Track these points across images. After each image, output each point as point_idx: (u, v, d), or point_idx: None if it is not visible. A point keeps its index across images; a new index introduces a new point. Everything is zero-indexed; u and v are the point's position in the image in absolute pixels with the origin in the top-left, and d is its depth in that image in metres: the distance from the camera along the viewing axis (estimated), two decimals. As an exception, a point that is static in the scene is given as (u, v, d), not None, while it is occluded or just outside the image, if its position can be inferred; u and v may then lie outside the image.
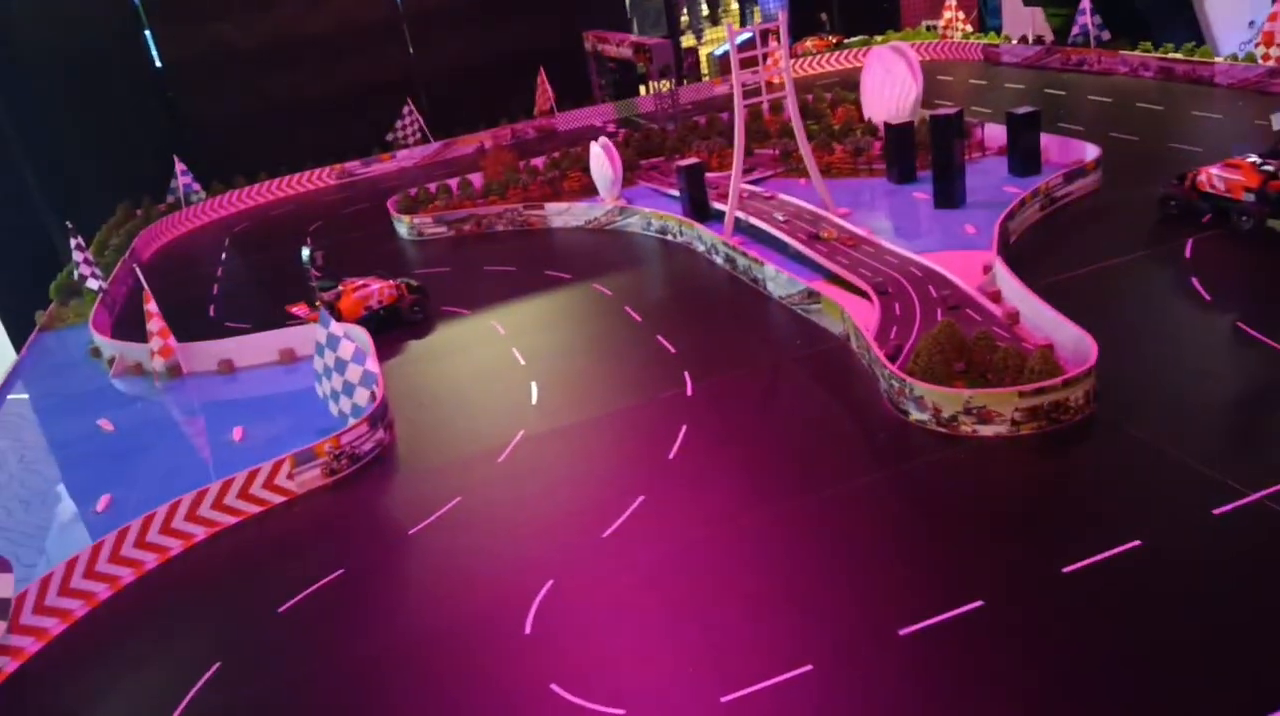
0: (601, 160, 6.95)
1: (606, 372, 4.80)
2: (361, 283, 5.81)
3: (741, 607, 3.08)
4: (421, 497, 4.05)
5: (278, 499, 4.23)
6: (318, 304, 5.59)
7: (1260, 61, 6.83)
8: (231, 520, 4.13)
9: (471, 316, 5.71)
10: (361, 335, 5.23)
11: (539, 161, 8.00)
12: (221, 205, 9.39)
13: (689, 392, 4.40)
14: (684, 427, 4.11)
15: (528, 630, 3.17)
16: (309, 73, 10.59)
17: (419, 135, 10.05)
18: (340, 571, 3.69)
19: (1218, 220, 4.85)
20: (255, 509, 4.19)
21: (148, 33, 10.26)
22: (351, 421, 4.36)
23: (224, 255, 7.92)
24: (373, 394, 4.51)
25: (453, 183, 7.86)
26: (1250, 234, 4.68)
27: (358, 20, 10.62)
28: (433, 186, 7.85)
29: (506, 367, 4.97)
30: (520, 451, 4.20)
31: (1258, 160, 4.74)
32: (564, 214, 7.36)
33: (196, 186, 9.28)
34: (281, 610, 3.55)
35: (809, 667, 2.88)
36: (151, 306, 5.84)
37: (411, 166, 9.85)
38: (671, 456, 3.95)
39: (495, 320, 5.58)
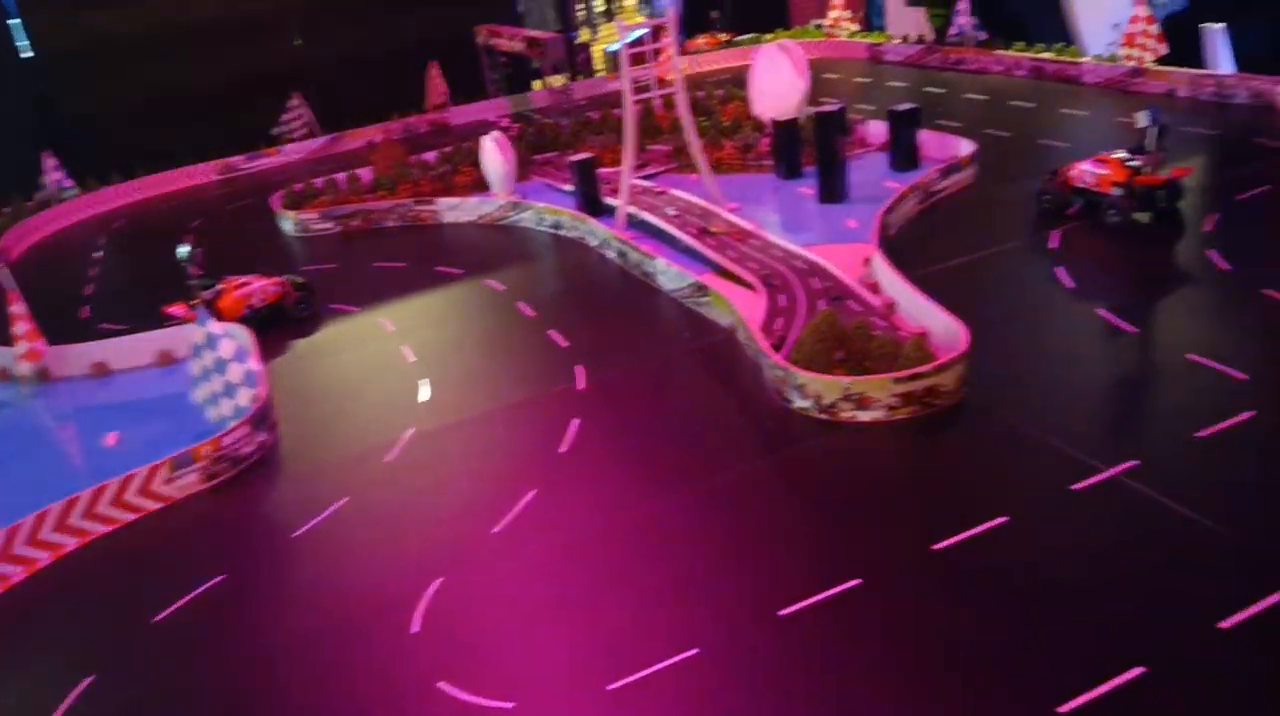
0: (494, 155, 6.90)
1: (498, 368, 4.78)
2: (242, 280, 5.65)
3: (630, 596, 3.12)
4: (306, 499, 3.96)
5: (154, 505, 4.09)
6: (195, 303, 5.38)
7: (1123, 62, 7.20)
8: (105, 528, 3.97)
9: (360, 313, 5.61)
10: (243, 334, 5.09)
11: (430, 156, 7.90)
12: (99, 201, 8.98)
13: (581, 386, 4.41)
14: (576, 421, 4.12)
15: (415, 628, 3.14)
16: (192, 64, 10.21)
17: (306, 129, 9.81)
18: (221, 577, 3.58)
19: (1088, 213, 5.08)
20: (130, 516, 4.03)
21: (16, 21, 9.76)
22: (231, 423, 4.25)
23: (100, 254, 7.59)
24: (255, 394, 4.39)
25: (341, 178, 7.70)
26: (1116, 226, 4.94)
27: (244, 10, 10.30)
28: (320, 181, 7.67)
29: (395, 365, 4.90)
30: (409, 449, 4.15)
31: (1125, 156, 4.93)
32: (456, 209, 7.28)
33: (69, 183, 8.86)
34: (158, 619, 3.44)
35: (695, 651, 2.93)
36: (18, 308, 5.56)
37: (299, 161, 9.59)
38: (563, 450, 3.96)
39: (384, 317, 5.49)
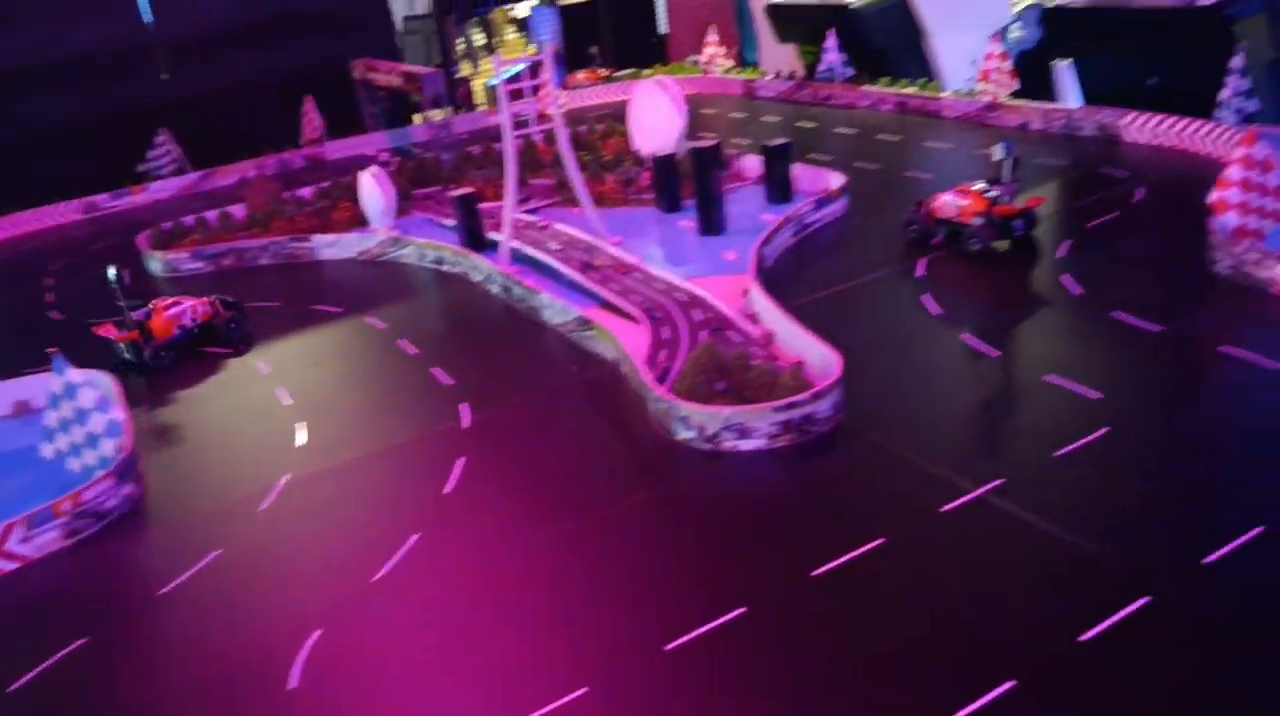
0: (372, 189, 6.80)
1: (379, 409, 4.68)
2: (172, 301, 5.55)
3: (518, 636, 3.08)
4: (175, 553, 3.77)
5: (9, 566, 3.85)
6: (125, 323, 5.30)
7: (980, 96, 7.58)
8: (-45, 593, 3.71)
9: (233, 356, 5.42)
10: (106, 382, 4.85)
11: (306, 192, 7.73)
12: (-53, 243, 8.48)
13: (465, 424, 4.36)
14: (461, 460, 4.07)
15: (294, 683, 3.02)
16: (52, 99, 9.76)
17: (175, 166, 9.47)
18: (83, 640, 3.39)
19: (950, 242, 5.33)
20: (-17, 579, 3.79)
21: None
22: (97, 475, 4.04)
23: (-52, 299, 7.15)
24: (119, 444, 4.19)
25: (212, 215, 7.45)
26: (977, 254, 5.19)
27: (109, 44, 9.91)
28: (190, 220, 7.41)
29: (270, 409, 4.74)
30: (285, 497, 4.01)
31: (984, 187, 5.21)
32: (333, 246, 7.12)
33: (-84, 222, 8.34)
34: (12, 689, 3.22)
35: (585, 690, 2.91)
36: None
37: (167, 199, 9.24)
38: (448, 490, 3.90)
39: (259, 359, 5.32)
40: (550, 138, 7.72)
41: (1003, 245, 5.15)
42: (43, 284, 7.09)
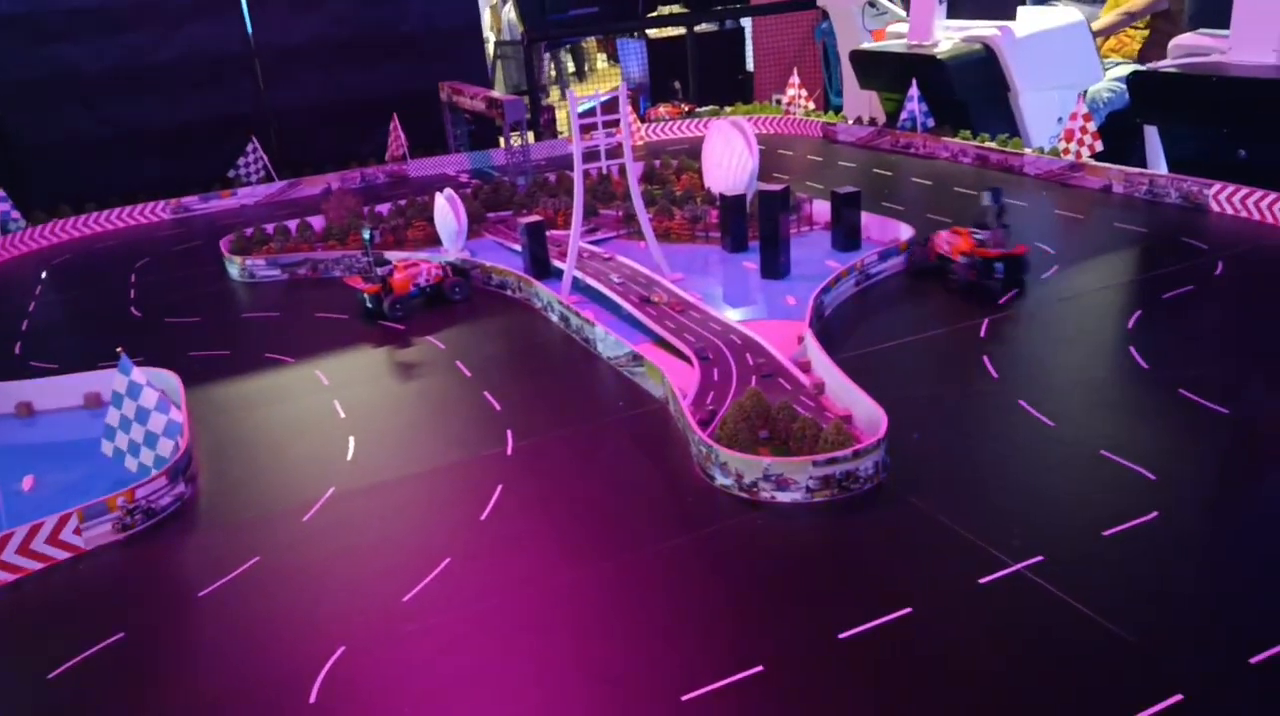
0: (446, 211, 6.93)
1: (428, 428, 4.75)
2: (412, 261, 6.22)
3: (533, 674, 3.07)
4: (218, 557, 3.88)
5: (63, 555, 3.99)
6: (371, 276, 5.95)
7: (1063, 156, 7.45)
8: (9, 577, 3.86)
9: (295, 365, 5.55)
10: (172, 382, 5.03)
11: (384, 208, 7.93)
12: (43, 235, 8.86)
13: (509, 451, 4.39)
14: (499, 487, 4.09)
15: (313, 699, 3.07)
16: (154, 103, 10.13)
17: (263, 173, 9.81)
18: (120, 635, 3.50)
19: (938, 275, 5.59)
20: (36, 566, 3.92)
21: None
22: (154, 472, 4.18)
23: (39, 289, 7.48)
24: (176, 444, 4.33)
25: (292, 224, 7.69)
26: (961, 289, 5.39)
27: (209, 52, 10.35)
28: (270, 227, 7.65)
29: (325, 420, 4.84)
30: (328, 509, 4.09)
31: (974, 230, 5.45)
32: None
33: (16, 214, 8.75)
34: (52, 676, 3.34)
35: (597, 734, 2.90)
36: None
37: (253, 205, 9.55)
38: (484, 517, 3.93)
39: (320, 369, 5.44)
40: (621, 170, 7.79)
41: (996, 285, 5.35)
42: (127, 281, 7.38)
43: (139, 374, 4.20)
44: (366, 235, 5.96)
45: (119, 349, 4.35)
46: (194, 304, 6.32)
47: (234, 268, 7.24)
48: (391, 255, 6.54)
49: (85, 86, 9.70)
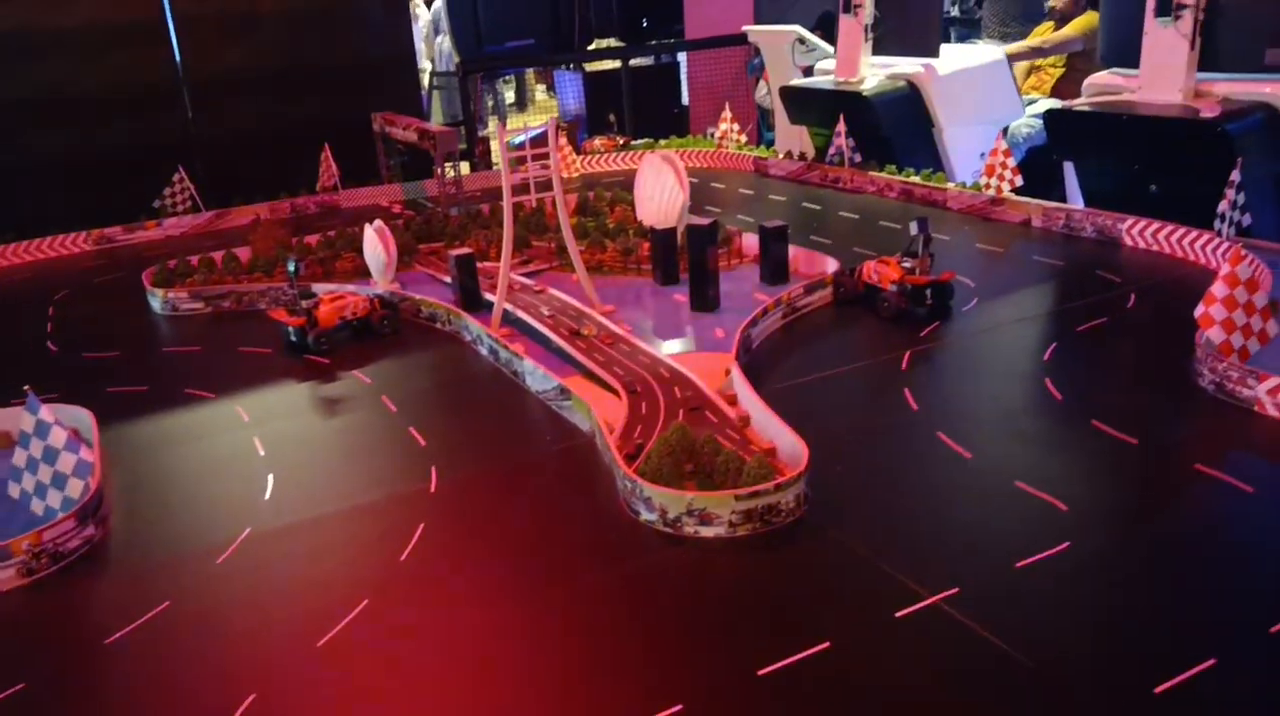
0: (375, 243, 6.86)
1: (350, 466, 4.67)
2: (338, 294, 6.09)
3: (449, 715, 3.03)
4: (127, 601, 3.74)
5: (-37, 601, 3.84)
6: (295, 310, 5.82)
7: (984, 190, 7.65)
8: (-93, 625, 3.69)
9: (216, 400, 5.43)
10: (85, 418, 4.88)
11: (313, 239, 7.82)
12: (-44, 266, 8.60)
13: (433, 488, 4.34)
14: (421, 526, 4.04)
15: (221, 748, 2.98)
16: (76, 132, 9.97)
17: (189, 203, 9.62)
18: (20, 686, 3.36)
19: (867, 303, 5.69)
20: (-65, 613, 3.77)
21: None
22: (61, 514, 4.04)
23: (-53, 324, 7.22)
24: (86, 485, 4.19)
25: (217, 255, 7.55)
26: (893, 319, 5.49)
27: (135, 81, 10.17)
28: (194, 259, 7.50)
29: (245, 457, 4.73)
30: (243, 550, 3.98)
31: (902, 258, 5.59)
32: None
33: (-72, 245, 8.47)
34: (-54, 730, 3.19)
35: (514, 776, 2.85)
36: None
37: (179, 236, 9.37)
38: (403, 557, 3.86)
39: (241, 405, 5.33)
40: (555, 203, 7.81)
41: (920, 311, 5.54)
42: (45, 314, 7.17)
43: (47, 412, 4.07)
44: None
45: (26, 388, 4.22)
46: (113, 338, 6.16)
47: (156, 301, 7.08)
48: (319, 287, 6.45)
49: (1, 116, 9.46)
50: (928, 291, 5.57)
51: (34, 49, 9.57)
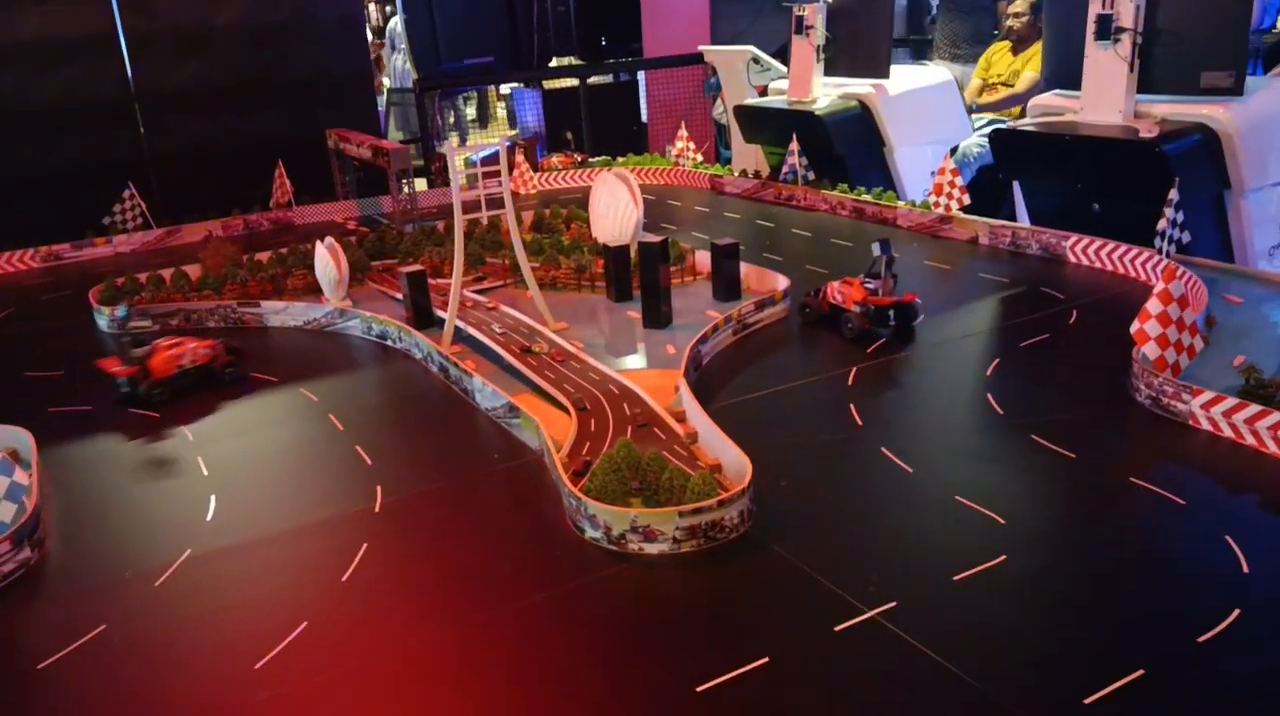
0: (326, 260, 6.83)
1: (294, 485, 4.62)
2: (176, 341, 5.66)
3: (391, 739, 3.01)
4: (61, 626, 3.67)
5: (-107, 627, 3.74)
6: (129, 358, 5.44)
7: (932, 209, 7.77)
8: None
9: (160, 420, 5.36)
10: (24, 438, 4.80)
11: (264, 256, 7.76)
12: (-103, 284, 8.42)
13: (378, 507, 4.31)
14: (364, 546, 4.00)
15: (154, 774, 2.93)
16: (22, 146, 9.85)
17: (140, 220, 9.50)
18: (-52, 713, 3.29)
19: (832, 324, 5.74)
20: None
21: None
22: (-4, 537, 3.96)
23: (-113, 343, 7.07)
24: (22, 506, 4.12)
25: (166, 273, 7.46)
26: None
27: (85, 95, 10.05)
28: (143, 276, 7.40)
29: (188, 478, 4.67)
30: (182, 573, 3.92)
31: (865, 280, 5.68)
32: (282, 313, 7.13)
33: None
34: None
35: (453, 797, 2.83)
36: None
37: (129, 253, 9.25)
38: (345, 578, 3.82)
39: (186, 426, 5.28)
40: (518, 217, 7.82)
41: (884, 332, 5.61)
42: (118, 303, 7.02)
43: (-19, 434, 3.99)
44: (121, 312, 5.63)
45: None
46: (58, 357, 6.06)
47: (102, 318, 6.98)
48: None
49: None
50: (890, 312, 5.65)
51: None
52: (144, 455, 4.99)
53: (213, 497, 4.46)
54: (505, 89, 16.62)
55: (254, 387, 5.73)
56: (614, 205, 7.14)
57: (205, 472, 4.71)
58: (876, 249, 5.61)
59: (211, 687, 3.27)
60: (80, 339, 6.80)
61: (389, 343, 6.40)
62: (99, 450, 5.07)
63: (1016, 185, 7.97)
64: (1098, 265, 6.61)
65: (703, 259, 7.02)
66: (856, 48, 9.17)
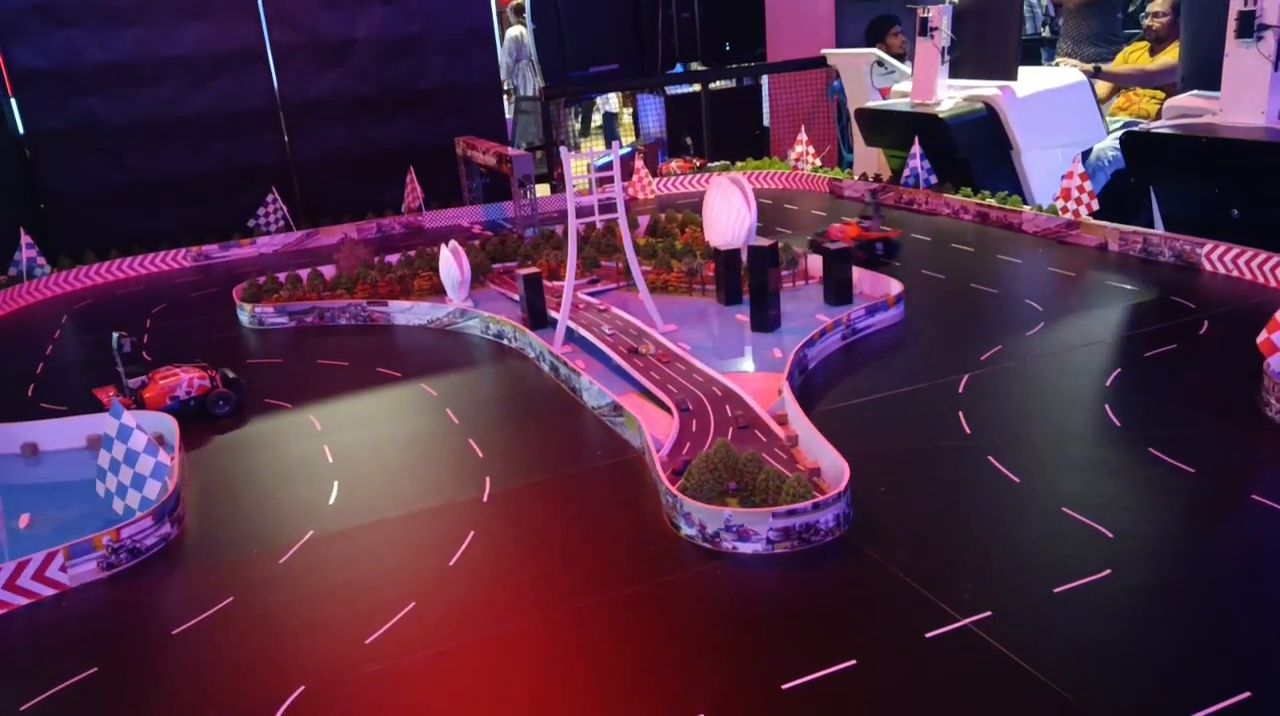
0: (450, 263, 7.12)
1: (410, 474, 4.85)
2: (171, 372, 5.62)
3: (483, 715, 3.14)
4: (194, 596, 3.97)
5: (47, 592, 4.11)
6: (125, 389, 5.48)
7: (1060, 214, 7.52)
8: (-7, 612, 3.98)
9: (292, 410, 5.70)
10: (168, 424, 5.18)
11: (393, 258, 8.13)
12: (67, 281, 9.15)
13: (485, 498, 4.49)
14: (471, 533, 4.18)
15: (269, 737, 3.15)
16: (178, 153, 10.53)
17: (282, 223, 10.09)
18: (94, 670, 3.60)
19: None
20: (21, 601, 4.05)
21: (13, 101, 10.10)
22: (139, 513, 4.30)
23: (58, 333, 7.73)
24: (165, 486, 4.46)
25: (303, 273, 7.90)
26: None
27: (234, 105, 10.72)
28: (282, 276, 7.86)
29: (314, 464, 4.96)
30: (304, 552, 4.18)
31: (859, 219, 7.08)
32: (407, 312, 7.46)
33: (41, 260, 9.06)
34: (24, 707, 3.44)
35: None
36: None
37: (270, 254, 9.83)
38: (453, 562, 4.00)
39: (315, 415, 5.58)
40: (633, 223, 7.96)
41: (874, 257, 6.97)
42: (143, 326, 7.61)
43: (129, 417, 4.35)
44: (115, 343, 5.43)
45: (112, 391, 4.50)
46: (203, 349, 6.50)
47: (244, 314, 7.44)
48: (402, 304, 6.64)
49: (112, 137, 10.08)
50: (878, 245, 7.20)
51: (146, 75, 10.17)
52: (276, 442, 5.32)
53: (335, 483, 4.73)
54: (611, 100, 16.94)
55: (379, 381, 6.03)
56: (727, 209, 7.18)
57: (330, 460, 4.98)
58: (868, 197, 6.96)
59: (325, 659, 3.48)
60: (225, 332, 7.28)
61: (505, 342, 6.61)
62: (236, 437, 5.43)
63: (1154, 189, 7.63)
64: (1235, 273, 6.27)
65: (815, 263, 6.99)
66: (983, 49, 8.95)
